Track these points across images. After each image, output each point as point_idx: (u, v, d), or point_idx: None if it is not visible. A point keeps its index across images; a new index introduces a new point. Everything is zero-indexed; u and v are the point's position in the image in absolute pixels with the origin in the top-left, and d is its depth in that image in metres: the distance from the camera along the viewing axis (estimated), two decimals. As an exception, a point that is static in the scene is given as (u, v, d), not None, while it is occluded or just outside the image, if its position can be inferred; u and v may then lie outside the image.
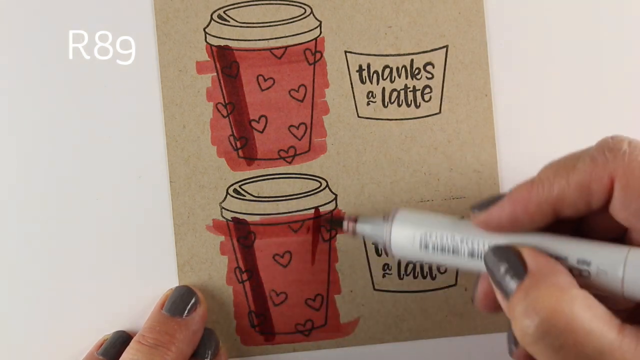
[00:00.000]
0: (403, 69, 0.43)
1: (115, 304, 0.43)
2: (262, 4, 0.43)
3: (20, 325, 0.43)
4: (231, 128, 0.43)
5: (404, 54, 0.43)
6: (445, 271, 0.43)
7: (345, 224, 0.40)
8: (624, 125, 0.43)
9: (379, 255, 0.43)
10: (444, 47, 0.43)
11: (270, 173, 0.43)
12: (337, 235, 0.43)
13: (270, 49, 0.43)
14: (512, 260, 0.33)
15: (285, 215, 0.43)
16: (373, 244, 0.43)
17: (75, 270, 0.43)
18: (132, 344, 0.40)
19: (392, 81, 0.43)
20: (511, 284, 0.32)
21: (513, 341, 0.36)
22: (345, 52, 0.43)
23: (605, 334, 0.30)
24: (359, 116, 0.43)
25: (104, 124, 0.43)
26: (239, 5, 0.43)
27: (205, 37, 0.43)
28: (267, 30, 0.43)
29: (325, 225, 0.43)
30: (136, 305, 0.43)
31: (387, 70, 0.43)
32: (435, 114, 0.43)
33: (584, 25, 0.44)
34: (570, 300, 0.30)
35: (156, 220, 0.43)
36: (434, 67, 0.43)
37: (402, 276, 0.43)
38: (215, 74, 0.43)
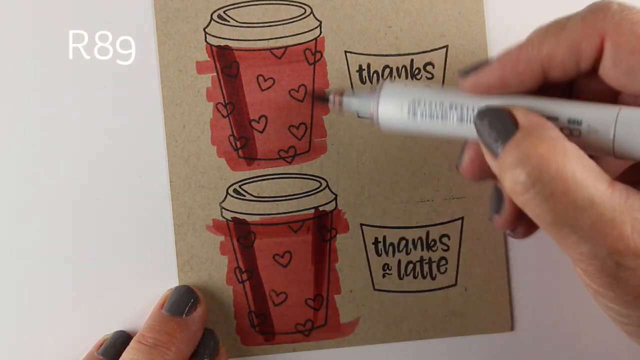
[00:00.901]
0: (403, 69, 0.43)
1: (115, 304, 0.43)
2: (262, 4, 0.43)
3: (20, 325, 0.43)
4: (231, 128, 0.43)
5: (404, 54, 0.43)
6: (446, 271, 0.43)
7: (331, 97, 0.39)
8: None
9: (378, 255, 0.43)
10: (444, 47, 0.43)
11: (270, 173, 0.43)
12: (337, 235, 0.43)
13: (270, 49, 0.43)
14: (503, 118, 0.32)
15: (285, 215, 0.43)
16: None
17: (75, 270, 0.43)
18: (132, 343, 0.40)
19: (392, 81, 0.43)
20: (502, 140, 0.32)
21: (494, 207, 0.36)
22: (345, 52, 0.43)
23: (596, 184, 0.30)
24: (359, 116, 0.43)
25: (104, 124, 0.43)
26: (239, 5, 0.43)
27: (205, 37, 0.43)
28: (267, 30, 0.43)
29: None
30: (136, 305, 0.43)
31: (387, 70, 0.43)
32: (435, 114, 0.43)
33: (584, 25, 0.44)
34: (562, 150, 0.30)
35: (156, 220, 0.43)
36: (434, 67, 0.43)
37: (402, 276, 0.43)
38: (215, 74, 0.43)
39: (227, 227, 0.43)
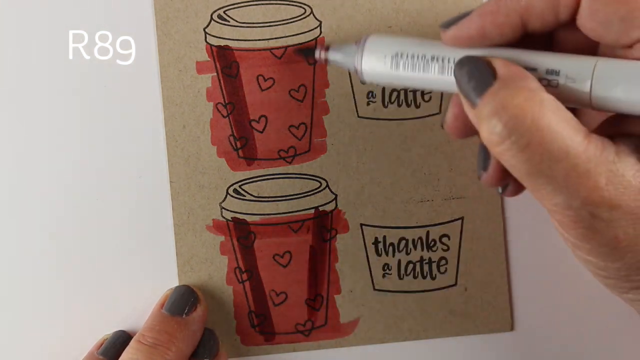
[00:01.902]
0: (403, 69, 0.43)
1: (115, 304, 0.43)
2: (262, 4, 0.43)
3: (20, 325, 0.43)
4: (231, 128, 0.43)
5: (404, 54, 0.43)
6: (446, 271, 0.43)
7: (317, 52, 0.40)
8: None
9: (379, 255, 0.43)
10: (444, 47, 0.43)
11: (270, 173, 0.43)
12: (337, 235, 0.43)
13: (270, 49, 0.43)
14: (481, 68, 0.33)
15: (285, 215, 0.43)
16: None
17: (75, 270, 0.43)
18: (132, 343, 0.40)
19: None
20: (480, 90, 0.32)
21: (481, 164, 0.36)
22: (345, 52, 0.43)
23: (572, 136, 0.30)
24: (359, 116, 0.43)
25: (104, 124, 0.43)
26: (239, 5, 0.43)
27: (205, 37, 0.43)
28: (267, 30, 0.43)
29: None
30: (136, 305, 0.43)
31: (387, 70, 0.43)
32: (435, 114, 0.43)
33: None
34: (539, 101, 0.31)
35: (156, 220, 0.43)
36: (434, 67, 0.43)
37: (402, 276, 0.43)
38: (215, 74, 0.43)
39: (227, 227, 0.43)
